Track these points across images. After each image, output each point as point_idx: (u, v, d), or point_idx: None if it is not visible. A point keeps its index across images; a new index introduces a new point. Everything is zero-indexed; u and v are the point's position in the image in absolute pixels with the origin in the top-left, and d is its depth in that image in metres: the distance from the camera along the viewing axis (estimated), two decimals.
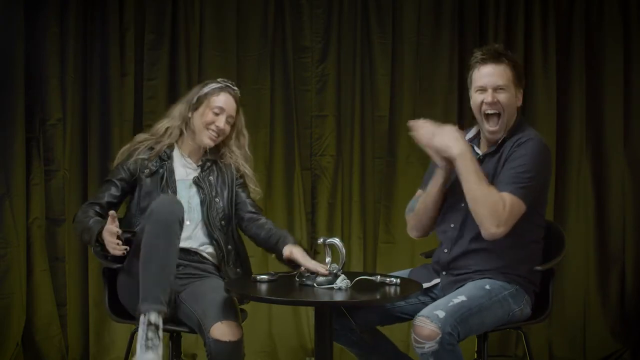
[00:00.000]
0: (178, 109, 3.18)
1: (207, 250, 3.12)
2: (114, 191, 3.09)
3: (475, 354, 3.01)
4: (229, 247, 3.12)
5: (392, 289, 2.71)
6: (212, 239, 3.10)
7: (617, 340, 4.30)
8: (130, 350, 3.16)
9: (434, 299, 2.94)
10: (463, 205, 2.85)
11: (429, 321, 2.56)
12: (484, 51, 2.90)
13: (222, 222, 3.12)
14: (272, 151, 4.35)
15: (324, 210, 4.37)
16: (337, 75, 4.37)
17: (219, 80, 3.20)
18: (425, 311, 2.62)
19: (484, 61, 2.88)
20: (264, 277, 2.81)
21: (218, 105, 3.13)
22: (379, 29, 4.34)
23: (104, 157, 4.16)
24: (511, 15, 4.32)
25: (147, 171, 3.09)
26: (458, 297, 2.67)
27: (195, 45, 4.26)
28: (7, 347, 4.00)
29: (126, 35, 4.21)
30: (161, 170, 3.10)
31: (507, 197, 2.73)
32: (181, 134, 3.17)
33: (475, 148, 2.94)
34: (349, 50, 4.35)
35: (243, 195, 3.21)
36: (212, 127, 3.11)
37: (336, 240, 2.78)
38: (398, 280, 2.75)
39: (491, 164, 2.87)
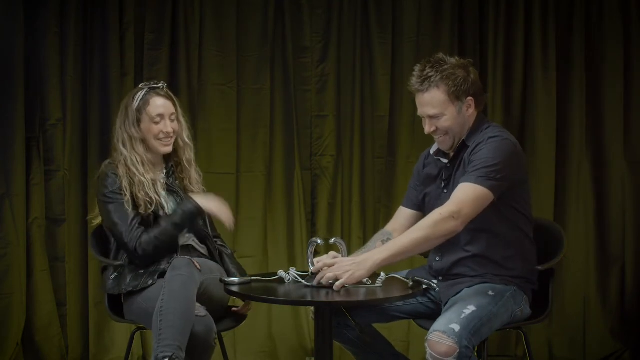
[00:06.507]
0: (126, 135, 3.09)
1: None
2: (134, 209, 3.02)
3: (476, 354, 3.00)
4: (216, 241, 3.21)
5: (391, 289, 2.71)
6: (201, 240, 3.15)
7: (617, 340, 4.30)
8: (130, 350, 3.17)
9: (432, 300, 2.95)
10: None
11: (446, 336, 2.54)
12: (412, 79, 2.82)
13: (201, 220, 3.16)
14: (272, 151, 4.35)
15: (324, 210, 4.37)
16: (337, 75, 4.37)
17: (141, 86, 3.16)
18: (439, 325, 2.59)
19: (415, 91, 2.83)
20: (234, 280, 2.77)
21: (156, 113, 3.07)
22: (379, 29, 4.34)
23: (104, 157, 4.09)
24: (511, 15, 4.31)
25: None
26: (468, 308, 2.64)
27: (195, 45, 4.26)
28: (7, 347, 4.00)
29: (126, 35, 4.21)
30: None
31: (461, 188, 2.68)
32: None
33: (442, 159, 2.93)
34: (349, 50, 4.35)
35: None
36: (161, 135, 3.08)
37: (339, 240, 2.75)
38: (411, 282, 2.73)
39: (455, 168, 2.86)
